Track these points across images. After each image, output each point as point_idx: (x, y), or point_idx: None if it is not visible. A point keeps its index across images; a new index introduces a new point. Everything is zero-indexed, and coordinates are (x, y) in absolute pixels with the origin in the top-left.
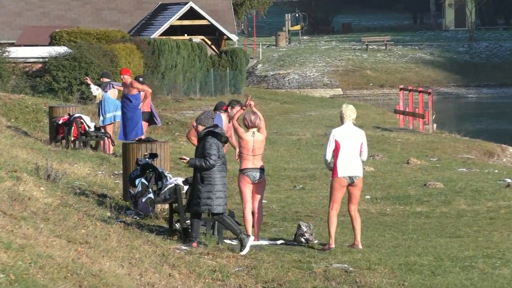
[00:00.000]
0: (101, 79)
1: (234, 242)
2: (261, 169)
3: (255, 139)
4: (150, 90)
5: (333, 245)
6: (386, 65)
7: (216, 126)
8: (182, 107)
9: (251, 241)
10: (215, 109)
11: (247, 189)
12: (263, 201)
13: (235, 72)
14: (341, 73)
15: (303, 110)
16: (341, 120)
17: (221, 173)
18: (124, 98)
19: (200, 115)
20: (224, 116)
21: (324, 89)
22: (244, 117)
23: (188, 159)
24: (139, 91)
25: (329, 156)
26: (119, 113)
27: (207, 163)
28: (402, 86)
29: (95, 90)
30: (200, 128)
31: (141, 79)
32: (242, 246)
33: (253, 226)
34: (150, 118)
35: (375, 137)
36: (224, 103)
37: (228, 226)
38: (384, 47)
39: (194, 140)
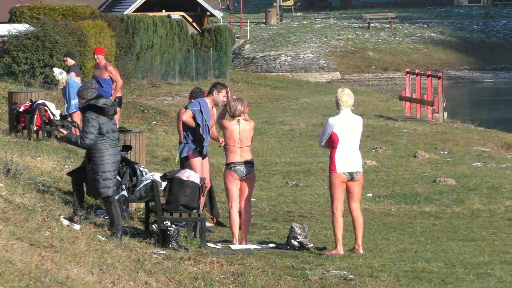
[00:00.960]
0: (65, 60)
1: (219, 246)
2: (250, 163)
3: (241, 128)
4: (121, 82)
5: (341, 251)
6: (391, 46)
7: (99, 97)
8: (160, 93)
9: (121, 237)
10: (192, 96)
11: (234, 186)
12: (251, 199)
13: (219, 54)
14: (340, 54)
15: (296, 97)
16: (338, 107)
17: (111, 150)
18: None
19: (80, 86)
20: (208, 100)
21: (320, 72)
22: (227, 104)
23: (65, 132)
24: (111, 77)
25: (323, 144)
26: None
27: (82, 142)
28: (408, 70)
29: (58, 73)
30: (81, 101)
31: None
32: (112, 234)
33: (240, 228)
34: (120, 103)
35: (378, 127)
36: (203, 90)
37: (110, 214)
38: (388, 25)
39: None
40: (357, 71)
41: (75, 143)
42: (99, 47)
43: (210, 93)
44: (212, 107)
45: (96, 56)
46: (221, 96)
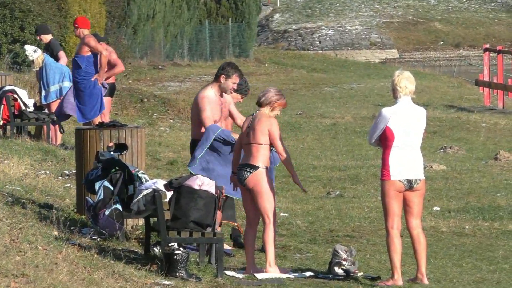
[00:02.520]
0: (40, 40)
1: (240, 275)
2: (248, 166)
3: (253, 118)
4: (105, 53)
5: (400, 281)
6: (464, 15)
7: None
8: (163, 77)
9: None
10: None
11: (243, 197)
12: (282, 214)
13: (240, 26)
14: (397, 26)
15: (340, 82)
16: (394, 95)
17: None
18: (74, 62)
19: None
20: (213, 90)
21: (371, 50)
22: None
23: None
24: (93, 52)
25: (374, 141)
26: (67, 84)
27: None
28: (487, 46)
29: (32, 52)
30: None
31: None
32: None
33: (263, 251)
34: (112, 91)
35: (448, 121)
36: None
37: None
38: None
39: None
40: (420, 48)
41: None
42: (81, 17)
43: (216, 78)
44: (221, 95)
45: (75, 29)
46: (230, 83)
